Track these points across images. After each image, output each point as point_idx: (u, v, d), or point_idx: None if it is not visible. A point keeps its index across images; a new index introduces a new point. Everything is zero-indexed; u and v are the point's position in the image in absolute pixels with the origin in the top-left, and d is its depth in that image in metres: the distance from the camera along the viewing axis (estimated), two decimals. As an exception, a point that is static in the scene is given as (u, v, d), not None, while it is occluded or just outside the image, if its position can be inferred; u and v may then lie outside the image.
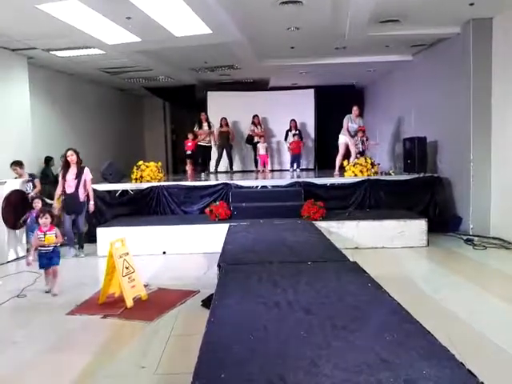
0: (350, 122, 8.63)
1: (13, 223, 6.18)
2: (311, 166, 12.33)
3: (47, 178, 8.24)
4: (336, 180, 7.85)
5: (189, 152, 10.36)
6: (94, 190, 7.33)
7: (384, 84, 11.56)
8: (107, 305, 4.15)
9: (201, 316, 3.18)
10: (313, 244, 4.85)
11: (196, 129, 10.28)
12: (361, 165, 7.83)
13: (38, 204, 6.05)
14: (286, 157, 11.64)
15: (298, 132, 10.87)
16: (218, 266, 3.90)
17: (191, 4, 5.54)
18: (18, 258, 6.19)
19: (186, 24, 6.33)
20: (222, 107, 11.40)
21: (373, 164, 7.91)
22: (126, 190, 7.60)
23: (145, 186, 7.51)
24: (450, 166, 7.55)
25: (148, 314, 3.89)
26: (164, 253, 6.32)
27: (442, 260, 5.71)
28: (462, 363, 1.90)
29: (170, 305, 4.09)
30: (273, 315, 2.60)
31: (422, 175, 7.64)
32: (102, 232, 6.36)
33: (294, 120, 10.98)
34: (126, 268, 4.17)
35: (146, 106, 14.64)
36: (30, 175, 6.86)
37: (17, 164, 6.62)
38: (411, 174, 7.85)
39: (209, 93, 12.10)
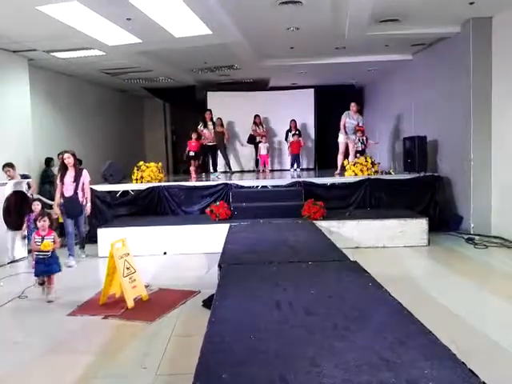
0: (348, 118, 8.63)
1: (14, 224, 6.19)
2: (311, 166, 12.33)
3: (48, 179, 8.25)
4: (336, 179, 7.85)
5: (192, 153, 9.94)
6: (95, 191, 7.37)
7: (384, 83, 11.56)
8: (108, 305, 4.16)
9: (202, 316, 3.18)
10: (313, 244, 4.85)
11: (201, 127, 10.07)
12: (361, 164, 7.84)
13: (37, 206, 6.01)
14: (287, 157, 11.65)
15: (297, 132, 10.88)
16: (219, 266, 3.90)
17: (191, 5, 5.54)
18: (19, 260, 6.20)
19: (185, 25, 6.33)
20: (221, 107, 11.39)
21: (373, 163, 7.91)
22: (127, 191, 7.61)
23: (145, 186, 7.52)
24: (451, 165, 7.55)
25: (149, 314, 3.89)
26: (165, 253, 6.32)
27: (443, 259, 5.71)
28: (463, 363, 1.90)
29: (170, 305, 4.10)
30: (273, 315, 2.60)
31: (422, 174, 7.63)
32: (102, 233, 6.36)
33: (293, 120, 10.98)
34: (127, 268, 4.17)
35: (146, 106, 14.66)
36: (23, 176, 6.84)
37: (9, 166, 6.59)
38: (411, 173, 7.85)
39: (209, 93, 12.09)
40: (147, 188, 7.47)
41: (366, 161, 7.88)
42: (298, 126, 11.15)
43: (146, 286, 4.49)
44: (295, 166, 10.72)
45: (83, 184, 6.11)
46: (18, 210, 6.23)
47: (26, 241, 6.30)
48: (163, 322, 3.74)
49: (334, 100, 11.45)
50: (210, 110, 10.31)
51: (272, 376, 1.85)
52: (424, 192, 7.39)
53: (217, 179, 8.45)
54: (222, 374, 1.87)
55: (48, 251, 4.36)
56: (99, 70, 9.48)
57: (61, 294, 4.49)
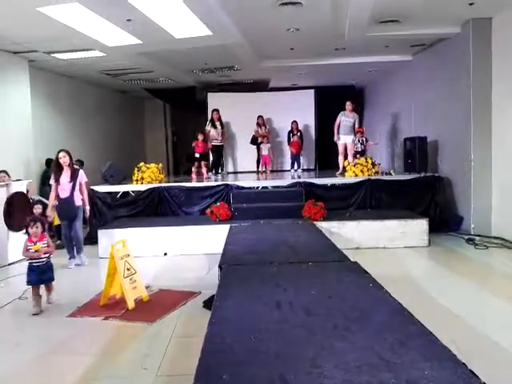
0: (344, 116, 8.63)
1: (15, 225, 6.19)
2: (312, 167, 12.34)
3: (48, 180, 8.24)
4: (337, 180, 7.84)
5: (197, 155, 9.48)
6: (96, 192, 7.37)
7: (384, 84, 11.56)
8: (108, 306, 4.16)
9: (202, 317, 3.18)
10: (314, 244, 4.85)
11: (208, 127, 9.77)
12: (361, 165, 7.83)
13: (38, 210, 5.98)
14: (287, 157, 11.66)
15: (298, 133, 10.88)
16: (219, 266, 3.90)
17: (191, 6, 5.55)
18: (19, 261, 6.20)
19: (186, 26, 6.33)
20: (222, 108, 11.34)
21: (373, 164, 7.91)
22: (127, 192, 7.61)
23: (146, 187, 7.52)
24: (451, 166, 7.55)
25: (149, 315, 3.89)
26: (165, 254, 6.32)
27: (444, 260, 5.71)
28: (463, 363, 1.90)
29: (171, 306, 4.10)
30: (274, 316, 2.60)
31: (422, 175, 7.63)
32: (103, 234, 6.36)
33: (295, 121, 10.97)
34: (128, 269, 4.17)
35: (146, 107, 14.67)
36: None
37: (3, 172, 6.60)
38: (412, 173, 7.85)
39: (209, 94, 12.11)
40: (148, 189, 7.47)
41: (367, 161, 7.88)
42: (299, 127, 11.15)
43: (147, 287, 4.49)
44: (295, 166, 10.72)
45: (80, 185, 5.81)
46: (19, 212, 6.23)
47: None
48: (164, 323, 3.74)
49: (334, 101, 11.40)
50: (217, 110, 9.93)
51: (272, 376, 1.85)
52: (424, 193, 7.39)
53: (220, 180, 8.42)
54: (223, 375, 1.87)
55: (42, 256, 4.14)
56: (100, 71, 9.49)
57: (61, 295, 4.49)
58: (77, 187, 5.76)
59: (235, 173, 11.02)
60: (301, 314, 2.61)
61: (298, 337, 2.28)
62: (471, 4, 5.98)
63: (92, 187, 7.37)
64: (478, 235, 6.60)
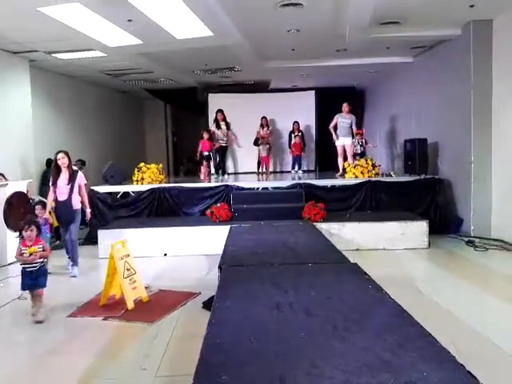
0: (341, 118, 8.64)
1: (15, 225, 6.18)
2: (312, 168, 12.33)
3: (49, 181, 8.24)
4: (337, 181, 7.85)
5: (206, 153, 9.32)
6: (96, 192, 7.38)
7: (385, 86, 11.56)
8: (108, 307, 4.16)
9: (202, 318, 3.17)
10: (313, 246, 4.86)
11: (213, 128, 9.73)
12: (361, 166, 7.83)
13: (40, 211, 5.98)
14: (288, 158, 11.66)
15: (299, 134, 10.88)
16: (219, 267, 3.91)
17: (192, 6, 5.56)
18: (19, 261, 6.19)
19: (187, 26, 6.34)
20: (222, 109, 11.40)
21: (373, 165, 7.91)
22: (128, 192, 7.62)
23: (146, 187, 7.52)
24: (451, 167, 7.55)
25: (149, 315, 3.89)
26: (165, 254, 6.32)
27: (443, 261, 5.71)
28: (462, 365, 1.90)
29: (171, 306, 4.10)
30: (273, 317, 2.61)
31: (422, 177, 7.64)
32: (103, 234, 6.37)
33: (296, 122, 10.97)
34: (127, 270, 4.17)
35: (147, 107, 14.68)
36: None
37: (0, 175, 6.60)
38: (412, 175, 7.86)
39: (210, 95, 12.11)
40: (148, 189, 7.48)
41: (367, 163, 7.88)
42: (301, 128, 11.15)
43: (146, 288, 4.50)
44: (296, 167, 10.72)
45: (79, 187, 5.54)
46: (19, 212, 6.23)
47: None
48: (163, 324, 3.74)
49: (334, 102, 11.39)
50: (221, 111, 9.86)
51: (272, 377, 1.86)
52: (424, 194, 7.39)
53: (222, 181, 8.39)
54: (222, 376, 1.87)
55: (35, 264, 3.95)
56: (100, 71, 9.50)
57: (61, 295, 4.49)
58: (75, 190, 5.50)
59: (236, 173, 11.01)
60: (300, 315, 2.61)
61: (297, 338, 2.28)
62: (472, 6, 5.99)
63: (92, 187, 7.37)
64: (478, 237, 6.59)
